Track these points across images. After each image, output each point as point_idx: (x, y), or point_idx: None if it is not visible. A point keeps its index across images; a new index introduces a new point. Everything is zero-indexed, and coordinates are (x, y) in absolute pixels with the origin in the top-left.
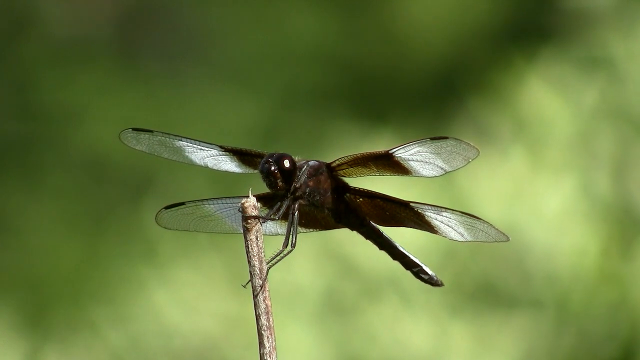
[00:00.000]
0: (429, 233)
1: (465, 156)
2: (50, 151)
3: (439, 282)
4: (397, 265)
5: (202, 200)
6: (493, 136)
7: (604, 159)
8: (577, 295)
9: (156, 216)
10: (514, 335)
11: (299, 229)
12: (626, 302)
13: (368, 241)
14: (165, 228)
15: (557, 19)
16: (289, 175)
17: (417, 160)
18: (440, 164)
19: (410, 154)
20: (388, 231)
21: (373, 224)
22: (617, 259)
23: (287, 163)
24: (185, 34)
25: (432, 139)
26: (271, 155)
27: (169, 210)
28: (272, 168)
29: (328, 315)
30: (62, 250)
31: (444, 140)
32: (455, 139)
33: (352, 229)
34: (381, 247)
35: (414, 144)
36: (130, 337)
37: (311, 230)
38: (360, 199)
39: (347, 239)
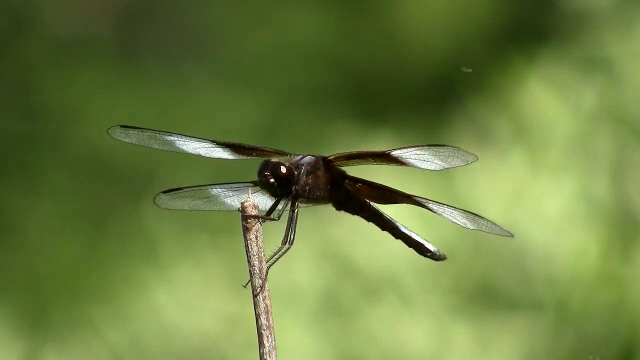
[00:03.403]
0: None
1: (463, 159)
2: (50, 151)
3: (442, 256)
4: (397, 265)
5: (201, 186)
6: (492, 137)
7: (603, 160)
8: (576, 297)
9: (154, 198)
10: (513, 337)
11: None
12: (625, 303)
13: (368, 242)
14: (161, 207)
15: (556, 20)
16: (287, 180)
17: (416, 159)
18: (439, 162)
19: (407, 155)
20: (389, 212)
21: (374, 206)
22: (617, 260)
23: (283, 170)
24: (186, 33)
25: (430, 146)
26: (265, 167)
27: (166, 195)
28: (271, 180)
29: (328, 315)
30: (62, 250)
31: (442, 147)
32: (453, 147)
33: (353, 213)
34: (383, 229)
35: (412, 148)
36: (130, 336)
37: (311, 205)
38: (360, 184)
39: (347, 239)
